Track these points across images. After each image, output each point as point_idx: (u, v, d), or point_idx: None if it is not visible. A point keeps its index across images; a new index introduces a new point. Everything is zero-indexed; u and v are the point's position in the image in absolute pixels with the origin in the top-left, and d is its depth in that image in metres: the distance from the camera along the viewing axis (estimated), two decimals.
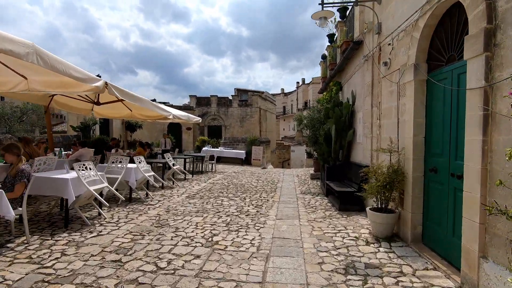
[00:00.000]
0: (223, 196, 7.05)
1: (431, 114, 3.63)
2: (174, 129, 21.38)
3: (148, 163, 7.32)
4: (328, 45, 10.75)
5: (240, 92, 28.25)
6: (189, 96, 24.29)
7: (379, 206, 4.27)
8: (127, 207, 5.67)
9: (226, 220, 5.00)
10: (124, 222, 4.74)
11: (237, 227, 4.62)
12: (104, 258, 3.31)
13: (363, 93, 6.06)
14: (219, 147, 16.72)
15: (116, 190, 5.46)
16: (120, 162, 6.16)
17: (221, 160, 16.80)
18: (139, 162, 6.44)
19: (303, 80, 57.67)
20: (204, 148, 16.44)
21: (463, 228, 2.71)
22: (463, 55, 2.78)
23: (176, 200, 6.48)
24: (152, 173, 6.69)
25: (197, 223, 4.79)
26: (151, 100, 14.28)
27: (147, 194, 6.71)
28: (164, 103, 20.11)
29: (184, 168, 11.82)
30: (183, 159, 11.37)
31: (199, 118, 13.14)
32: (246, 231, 4.40)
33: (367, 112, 5.70)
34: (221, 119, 24.40)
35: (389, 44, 4.49)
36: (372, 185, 4.22)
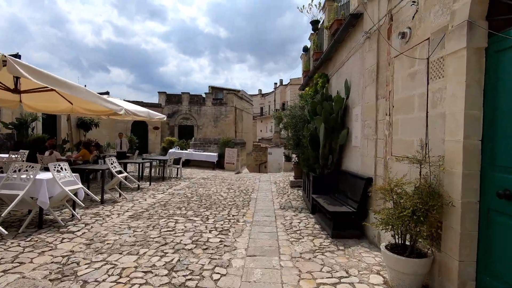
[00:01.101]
0: (180, 215, 5.38)
1: (495, 103, 2.25)
2: (139, 128, 19.21)
3: (78, 171, 5.49)
4: (311, 33, 9.40)
5: (215, 90, 26.46)
6: (158, 93, 22.13)
7: (400, 242, 2.84)
8: (30, 238, 3.86)
9: (172, 261, 3.35)
10: (2, 271, 2.96)
11: (184, 276, 3.00)
12: None
13: (362, 83, 4.67)
14: (188, 149, 14.92)
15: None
16: (26, 170, 4.32)
17: (190, 163, 15.01)
18: (59, 171, 4.62)
19: (281, 81, 56.81)
20: (171, 150, 14.56)
21: None
22: None
23: (112, 223, 4.73)
24: (79, 185, 4.88)
25: (124, 269, 3.11)
26: (124, 100, 12.30)
27: (72, 215, 4.90)
28: (137, 102, 18.03)
29: (141, 174, 9.98)
30: (140, 164, 9.52)
31: (163, 116, 11.37)
32: (196, 286, 2.80)
33: (369, 107, 4.31)
34: (193, 119, 22.49)
35: (413, 2, 3.09)
36: (390, 212, 2.78)
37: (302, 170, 8.60)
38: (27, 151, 8.86)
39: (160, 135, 21.48)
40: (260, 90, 61.56)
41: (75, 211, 4.95)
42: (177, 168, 11.07)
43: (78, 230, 4.30)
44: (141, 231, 4.37)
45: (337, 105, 5.32)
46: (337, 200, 4.85)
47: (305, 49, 11.46)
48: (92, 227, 4.51)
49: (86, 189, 4.97)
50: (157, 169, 10.84)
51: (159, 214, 5.41)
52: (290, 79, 50.23)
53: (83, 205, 4.91)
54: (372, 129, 4.23)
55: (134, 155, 12.25)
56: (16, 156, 8.39)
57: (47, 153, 7.94)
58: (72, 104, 8.26)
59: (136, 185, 7.95)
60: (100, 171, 6.58)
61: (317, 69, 8.02)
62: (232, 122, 22.51)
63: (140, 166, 9.81)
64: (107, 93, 13.81)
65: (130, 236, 4.14)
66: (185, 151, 14.48)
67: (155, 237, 4.12)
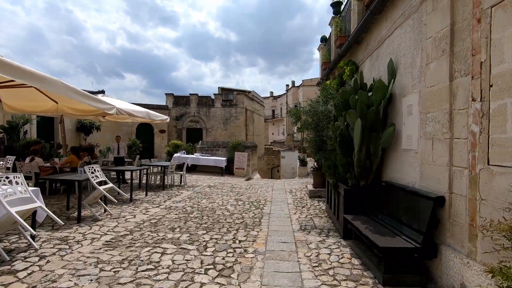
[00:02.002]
0: (171, 240, 4.13)
1: None
2: (145, 132, 18.24)
3: (52, 182, 4.32)
4: (332, 17, 8.07)
5: (224, 91, 25.36)
6: (165, 94, 21.16)
7: None
8: None
9: None
10: None
11: None
12: None
13: (420, 60, 3.31)
14: (195, 153, 13.76)
15: None
16: None
17: (197, 169, 13.85)
18: (5, 184, 3.45)
19: (293, 82, 55.52)
20: (176, 155, 13.45)
21: None
22: None
23: (78, 255, 3.52)
24: (37, 203, 3.70)
25: None
26: (137, 104, 11.18)
27: (29, 244, 3.73)
28: (142, 105, 17.18)
29: (139, 181, 8.87)
30: (140, 171, 8.39)
31: (165, 117, 10.27)
32: None
33: (436, 92, 2.94)
34: (202, 121, 21.41)
35: None
36: None
37: (324, 178, 7.27)
38: (14, 157, 7.89)
39: (167, 139, 20.48)
40: (271, 92, 60.41)
41: (34, 238, 3.78)
42: (181, 175, 9.89)
43: (25, 269, 3.10)
44: (110, 270, 3.13)
45: (379, 94, 3.95)
46: (383, 226, 3.48)
47: (323, 39, 10.13)
48: (48, 262, 3.31)
49: (47, 210, 3.77)
50: (158, 176, 9.70)
51: (144, 239, 4.17)
52: (303, 80, 48.79)
53: (34, 232, 3.71)
54: (441, 124, 2.86)
55: (135, 160, 11.18)
56: (1, 163, 7.42)
57: (27, 159, 6.89)
58: (57, 103, 7.23)
59: (128, 197, 6.78)
60: (77, 182, 5.43)
61: (341, 57, 6.67)
62: (243, 124, 21.29)
63: (140, 173, 8.69)
64: (102, 91, 12.82)
65: (91, 281, 2.91)
66: (191, 156, 13.32)
67: (125, 283, 2.87)
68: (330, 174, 5.03)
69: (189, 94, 21.41)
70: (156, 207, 6.26)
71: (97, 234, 4.33)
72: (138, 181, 9.05)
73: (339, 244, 4.09)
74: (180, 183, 9.93)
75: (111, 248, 3.77)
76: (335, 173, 4.89)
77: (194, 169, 13.87)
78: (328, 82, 7.37)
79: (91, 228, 4.61)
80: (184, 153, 13.85)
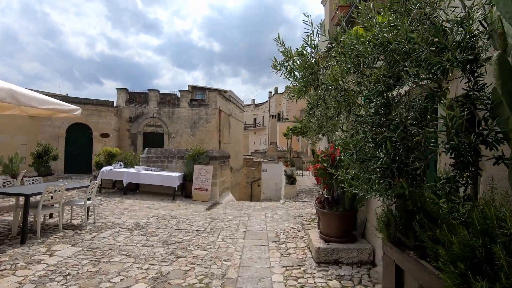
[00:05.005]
0: None
1: None
2: (80, 135, 13.62)
3: None
4: None
5: (196, 90, 21.16)
6: (117, 89, 16.68)
7: None
8: None
9: None
10: None
11: None
12: None
13: None
14: (136, 166, 9.41)
15: None
16: None
17: (140, 189, 9.49)
18: None
19: (276, 89, 52.45)
20: (105, 169, 9.06)
21: None
22: None
23: None
24: None
25: None
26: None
27: None
28: (88, 100, 12.73)
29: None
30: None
31: (77, 108, 6.15)
32: None
33: None
34: (163, 124, 17.05)
35: None
36: None
37: (350, 220, 3.36)
38: None
39: (119, 146, 15.91)
40: (253, 100, 57.08)
41: None
42: (86, 208, 5.55)
43: None
44: None
45: None
46: None
47: None
48: None
49: None
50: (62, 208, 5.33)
51: None
52: (286, 86, 45.71)
53: None
54: None
55: (19, 177, 6.77)
56: None
57: None
58: None
59: None
60: None
61: None
62: (215, 129, 17.13)
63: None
64: None
65: None
66: (128, 170, 8.96)
67: None
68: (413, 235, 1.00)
69: (148, 90, 17.07)
70: None
71: None
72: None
73: None
74: (83, 223, 5.59)
75: None
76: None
77: (135, 189, 9.51)
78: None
79: None
80: (120, 165, 9.48)
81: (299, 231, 5.55)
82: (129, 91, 17.06)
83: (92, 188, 5.50)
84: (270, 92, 52.71)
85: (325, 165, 4.30)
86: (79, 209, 6.38)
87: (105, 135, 13.74)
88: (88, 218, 5.64)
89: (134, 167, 9.32)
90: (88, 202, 5.57)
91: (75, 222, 5.69)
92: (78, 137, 13.42)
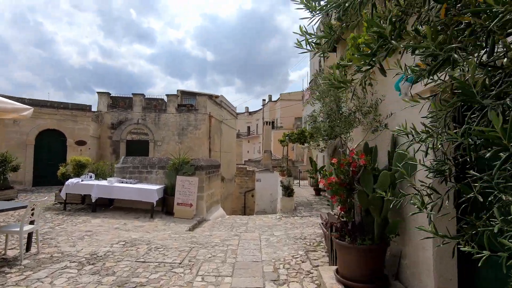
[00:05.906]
0: None
1: None
2: (53, 142, 12.22)
3: None
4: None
5: (185, 95, 19.97)
6: (97, 93, 15.40)
7: None
8: None
9: None
10: None
11: None
12: None
13: None
14: (109, 178, 8.07)
15: None
16: None
17: (114, 204, 8.14)
18: None
19: (270, 97, 51.79)
20: (70, 181, 7.72)
21: None
22: None
23: None
24: None
25: None
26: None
27: None
28: (62, 104, 11.36)
29: None
30: None
31: (27, 107, 4.90)
32: None
33: None
34: (149, 131, 15.75)
35: None
36: None
37: (378, 259, 2.16)
38: None
39: (98, 155, 14.53)
40: (247, 108, 56.27)
41: None
42: (27, 235, 4.22)
43: None
44: None
45: None
46: None
47: None
48: None
49: None
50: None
51: None
52: (280, 94, 44.90)
53: None
54: None
55: None
56: None
57: None
58: None
59: None
60: None
61: None
62: (205, 136, 15.89)
63: None
64: None
65: None
66: (98, 183, 7.63)
67: None
68: None
69: (132, 94, 15.81)
70: None
71: None
72: None
73: None
74: (25, 249, 4.27)
75: None
76: None
77: (110, 204, 8.17)
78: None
79: None
80: (91, 177, 8.15)
81: (303, 261, 4.32)
82: (111, 95, 15.78)
83: (32, 210, 4.19)
84: (264, 100, 51.93)
85: (342, 177, 3.11)
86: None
87: (81, 143, 12.36)
88: (29, 249, 4.32)
89: (106, 179, 7.98)
90: (30, 227, 4.27)
91: (11, 253, 4.36)
92: (51, 145, 12.01)
